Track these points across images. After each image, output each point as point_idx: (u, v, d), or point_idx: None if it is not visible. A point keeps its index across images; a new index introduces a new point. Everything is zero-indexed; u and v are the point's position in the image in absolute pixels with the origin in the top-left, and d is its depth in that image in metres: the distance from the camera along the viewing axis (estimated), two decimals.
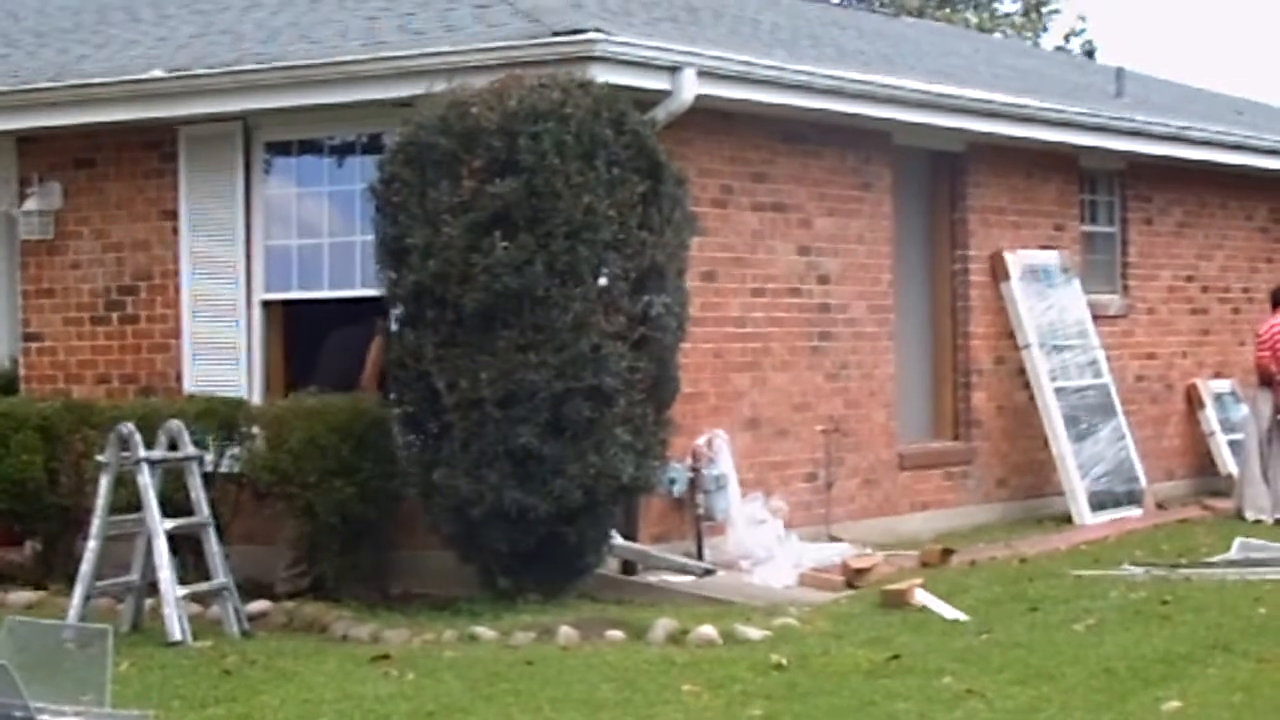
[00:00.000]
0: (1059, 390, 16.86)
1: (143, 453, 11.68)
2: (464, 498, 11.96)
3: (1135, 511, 17.07)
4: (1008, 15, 40.52)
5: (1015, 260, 17.05)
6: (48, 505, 13.65)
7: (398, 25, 13.98)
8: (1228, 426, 19.29)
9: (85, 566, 11.65)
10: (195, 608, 11.95)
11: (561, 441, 11.83)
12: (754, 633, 11.24)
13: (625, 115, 12.15)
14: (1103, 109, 18.13)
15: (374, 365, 13.68)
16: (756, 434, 14.49)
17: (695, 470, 13.60)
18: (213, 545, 11.85)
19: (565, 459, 11.83)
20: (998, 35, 36.76)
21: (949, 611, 11.99)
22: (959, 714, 9.13)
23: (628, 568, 13.01)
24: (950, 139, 16.35)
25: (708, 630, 11.15)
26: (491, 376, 11.77)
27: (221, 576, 11.79)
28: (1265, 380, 17.47)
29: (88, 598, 11.61)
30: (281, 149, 14.30)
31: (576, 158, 11.79)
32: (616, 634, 11.27)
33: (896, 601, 12.17)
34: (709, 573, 13.08)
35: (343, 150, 14.09)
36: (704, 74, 13.21)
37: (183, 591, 11.51)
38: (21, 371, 15.14)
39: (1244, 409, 18.77)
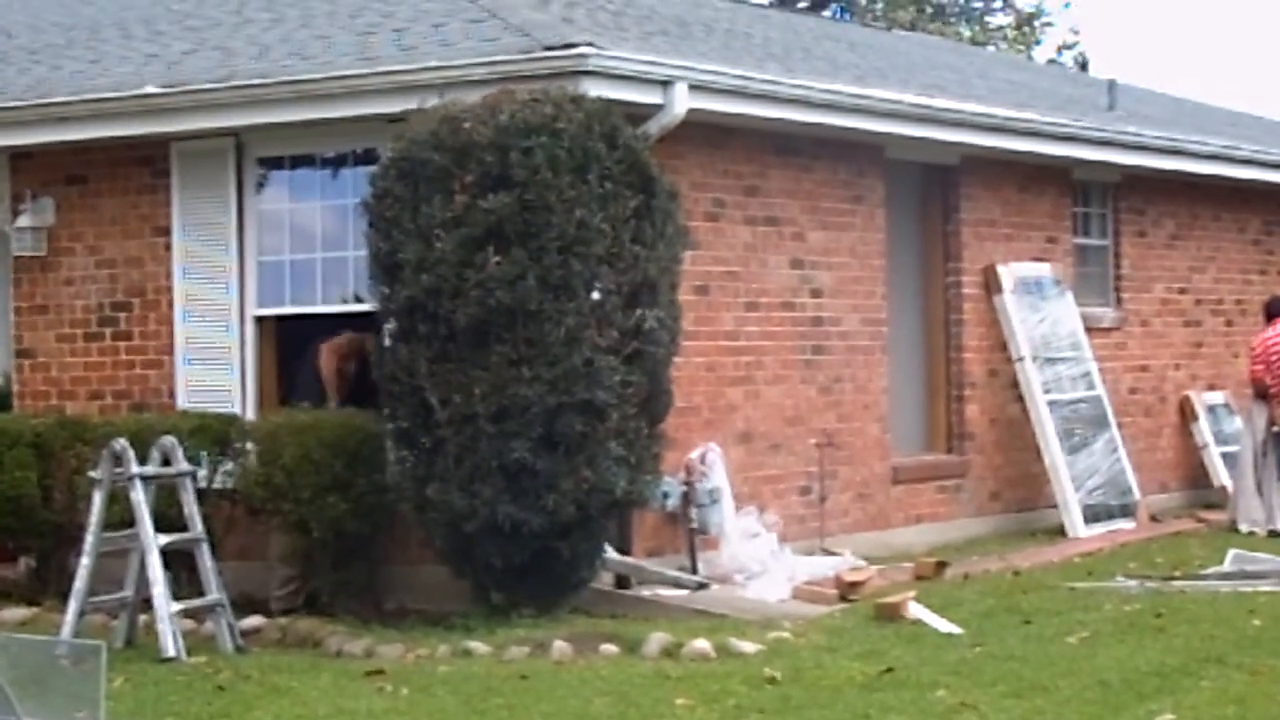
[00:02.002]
0: (1052, 403, 16.86)
1: (136, 469, 11.68)
2: (457, 512, 11.96)
3: (1129, 524, 17.07)
4: (1000, 28, 40.58)
5: (1008, 273, 17.05)
6: (41, 521, 13.66)
7: (390, 41, 13.99)
8: (1221, 439, 19.29)
9: (79, 583, 11.65)
10: (189, 624, 11.96)
11: (554, 456, 11.83)
12: (748, 646, 11.23)
13: (618, 129, 12.15)
14: (1095, 122, 18.15)
15: (334, 374, 13.89)
16: (750, 448, 14.49)
17: (689, 484, 13.58)
18: (206, 561, 11.85)
19: (558, 473, 11.83)
20: (990, 48, 36.79)
21: (943, 624, 11.98)
22: None
23: (621, 582, 13.00)
24: (943, 152, 16.35)
25: (702, 644, 11.14)
26: (484, 391, 11.77)
27: (215, 592, 11.79)
28: (1259, 393, 17.46)
29: (81, 614, 11.61)
30: (274, 164, 14.30)
31: (569, 172, 11.80)
32: (610, 648, 11.26)
33: (890, 615, 12.16)
34: (703, 586, 13.07)
35: (335, 165, 14.10)
36: (696, 88, 13.21)
37: (176, 607, 11.51)
38: (15, 388, 15.13)
39: (1237, 421, 18.77)
